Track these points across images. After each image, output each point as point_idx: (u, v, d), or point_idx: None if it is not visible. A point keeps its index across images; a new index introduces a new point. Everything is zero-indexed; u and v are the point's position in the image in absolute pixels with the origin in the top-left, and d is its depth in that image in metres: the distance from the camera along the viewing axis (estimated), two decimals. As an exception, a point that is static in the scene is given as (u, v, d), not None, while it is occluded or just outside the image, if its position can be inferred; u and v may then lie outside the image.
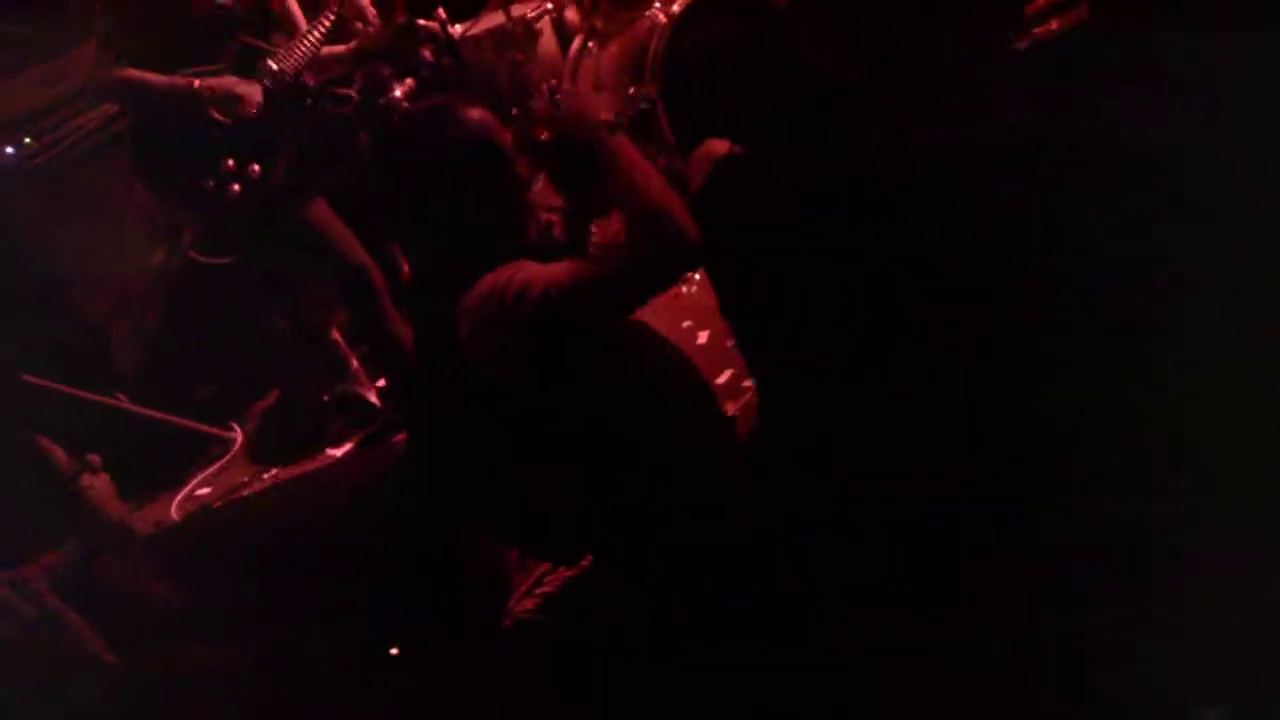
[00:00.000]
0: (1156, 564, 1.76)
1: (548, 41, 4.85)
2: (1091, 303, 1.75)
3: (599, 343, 2.17)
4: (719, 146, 2.14)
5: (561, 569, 2.41)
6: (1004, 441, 1.83)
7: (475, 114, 2.19)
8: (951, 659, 1.88)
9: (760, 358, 2.19)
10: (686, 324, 3.63)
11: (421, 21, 4.19)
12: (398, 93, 3.97)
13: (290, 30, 3.64)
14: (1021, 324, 1.80)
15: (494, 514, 2.41)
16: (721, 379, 3.17)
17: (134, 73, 3.40)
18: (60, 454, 2.50)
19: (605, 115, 2.14)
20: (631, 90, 3.81)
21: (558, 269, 2.07)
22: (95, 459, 2.53)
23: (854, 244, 1.94)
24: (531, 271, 2.07)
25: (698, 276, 4.09)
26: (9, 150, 4.04)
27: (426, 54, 4.36)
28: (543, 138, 2.24)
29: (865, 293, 1.90)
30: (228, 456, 4.33)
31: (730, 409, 2.84)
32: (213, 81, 3.43)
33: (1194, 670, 1.70)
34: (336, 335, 4.19)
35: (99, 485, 2.48)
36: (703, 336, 3.49)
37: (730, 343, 2.22)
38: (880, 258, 1.90)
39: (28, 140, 4.07)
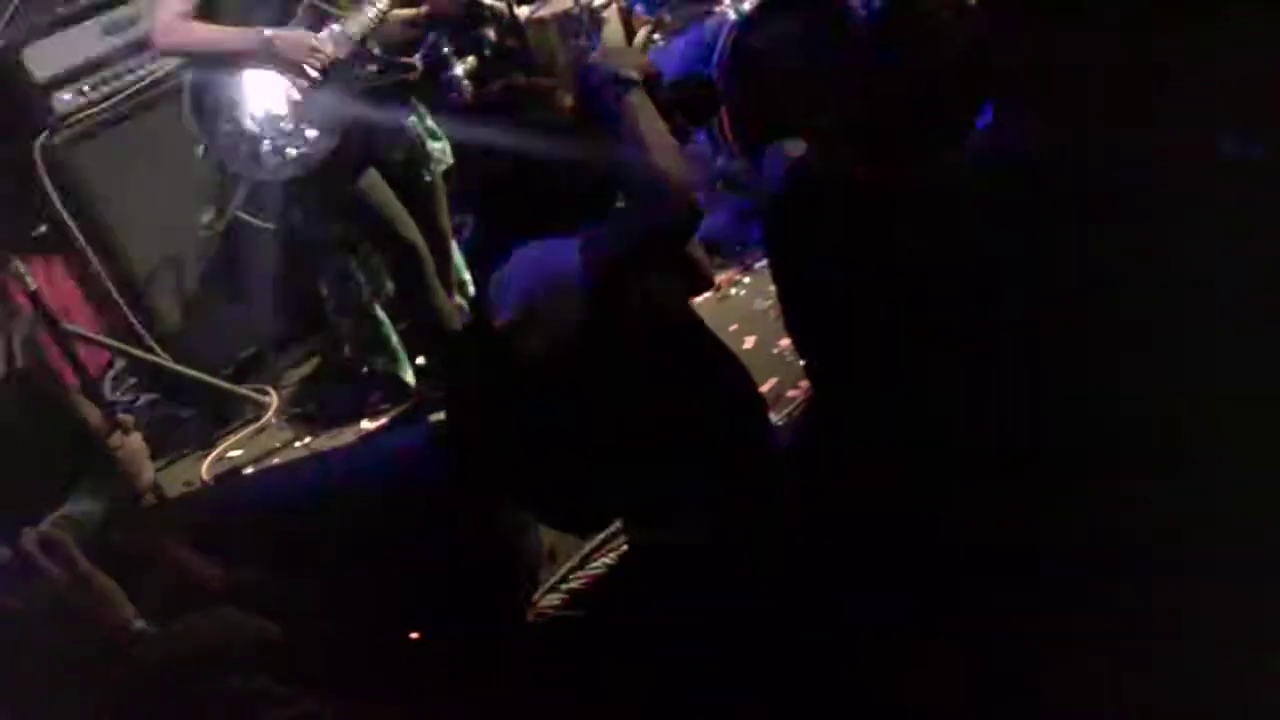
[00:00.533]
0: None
1: (613, 30, 4.82)
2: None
3: (642, 321, 2.17)
4: (794, 149, 2.09)
5: (589, 567, 2.41)
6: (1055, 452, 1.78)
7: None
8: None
9: (821, 361, 2.14)
10: (733, 328, 3.59)
11: (488, 0, 4.16)
12: (459, 70, 3.95)
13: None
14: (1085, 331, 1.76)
15: (530, 489, 2.39)
16: (765, 386, 3.13)
17: (201, 26, 3.38)
18: (94, 412, 2.48)
19: (628, 73, 2.12)
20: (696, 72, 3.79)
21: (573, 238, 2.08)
22: (127, 419, 2.49)
23: (919, 252, 1.88)
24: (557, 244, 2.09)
25: (747, 280, 4.07)
26: (66, 98, 4.02)
27: (491, 33, 4.34)
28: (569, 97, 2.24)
29: (935, 299, 1.85)
30: (262, 421, 4.33)
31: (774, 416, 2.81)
32: (284, 32, 3.40)
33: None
34: (378, 310, 4.18)
35: (130, 444, 2.44)
36: (749, 341, 3.45)
37: (776, 349, 2.18)
38: (949, 265, 1.85)
39: (87, 89, 4.05)
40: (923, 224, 1.84)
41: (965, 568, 1.81)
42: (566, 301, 2.08)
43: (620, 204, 2.21)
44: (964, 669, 1.81)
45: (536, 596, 2.66)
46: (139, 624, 1.89)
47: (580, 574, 2.72)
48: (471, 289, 4.01)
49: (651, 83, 2.16)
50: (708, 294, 4.15)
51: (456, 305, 3.91)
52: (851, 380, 2.03)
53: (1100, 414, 1.70)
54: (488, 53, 4.29)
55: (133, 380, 4.47)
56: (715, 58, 4.39)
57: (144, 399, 4.42)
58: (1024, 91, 1.81)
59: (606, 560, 2.75)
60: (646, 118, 2.10)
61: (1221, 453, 1.63)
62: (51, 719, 1.87)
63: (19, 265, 3.47)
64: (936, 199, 1.85)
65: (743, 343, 3.50)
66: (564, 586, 2.67)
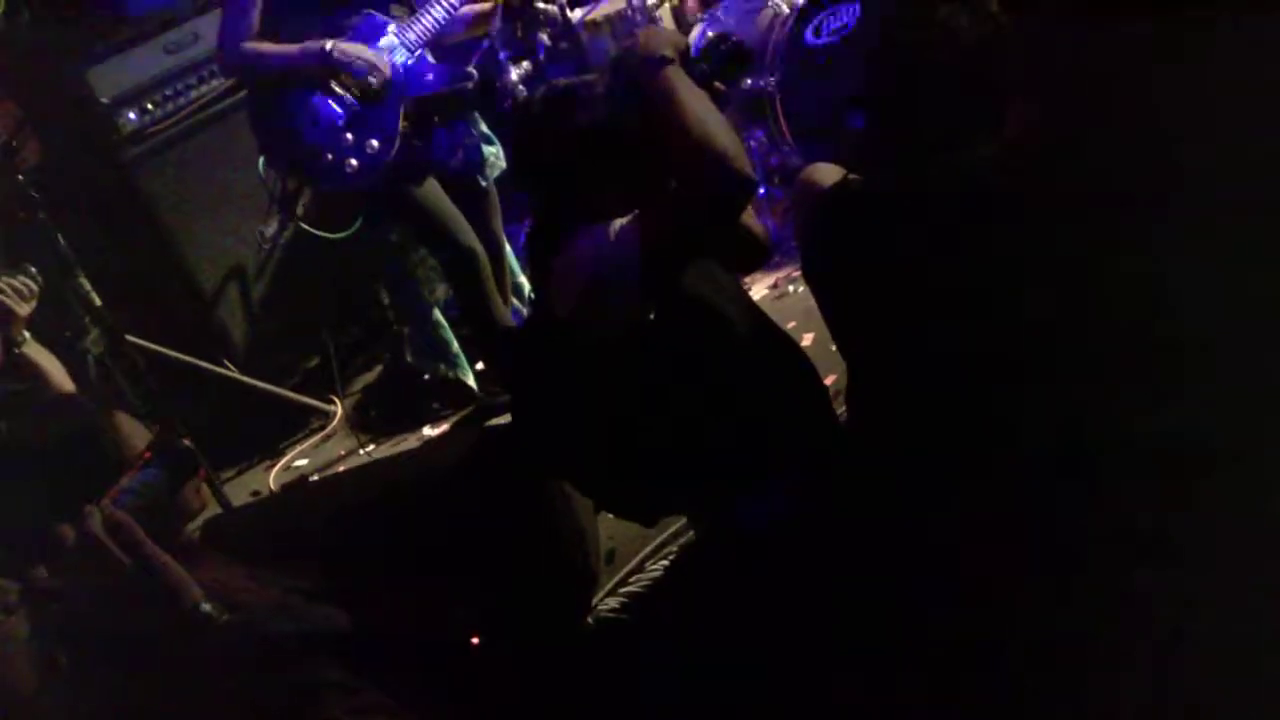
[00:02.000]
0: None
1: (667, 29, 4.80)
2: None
3: (706, 310, 2.17)
4: (827, 175, 2.08)
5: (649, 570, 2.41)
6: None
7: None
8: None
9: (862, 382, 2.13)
10: (791, 324, 3.56)
11: (540, 4, 4.17)
12: (514, 75, 3.96)
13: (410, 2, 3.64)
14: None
15: (593, 475, 2.40)
16: (825, 382, 3.10)
17: (264, 45, 3.43)
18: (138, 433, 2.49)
19: (663, 51, 2.10)
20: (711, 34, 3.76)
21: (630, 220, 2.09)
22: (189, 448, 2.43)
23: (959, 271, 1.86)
24: (615, 227, 2.10)
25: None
26: (132, 116, 4.10)
27: (545, 37, 4.35)
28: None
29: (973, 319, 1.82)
30: (328, 430, 4.38)
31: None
32: (345, 45, 3.44)
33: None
34: (439, 316, 4.20)
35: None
36: (807, 339, 3.41)
37: (834, 346, 2.16)
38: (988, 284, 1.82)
39: (150, 107, 4.13)
40: (945, 224, 1.81)
41: (1003, 569, 1.78)
42: (629, 282, 2.08)
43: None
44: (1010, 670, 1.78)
45: (595, 600, 2.65)
46: (206, 607, 1.90)
47: (639, 578, 2.71)
48: (527, 289, 4.03)
49: (686, 58, 2.15)
50: (766, 291, 4.16)
51: (512, 307, 3.93)
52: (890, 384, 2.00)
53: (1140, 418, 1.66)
54: (542, 57, 4.30)
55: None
56: (769, 53, 4.37)
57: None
58: (1033, 91, 1.77)
59: (665, 564, 2.74)
60: (684, 91, 2.08)
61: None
62: (120, 703, 1.89)
63: (84, 282, 3.52)
64: (959, 198, 1.83)
65: (801, 339, 3.46)
66: (622, 590, 2.66)
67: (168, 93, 4.17)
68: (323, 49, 3.41)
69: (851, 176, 2.04)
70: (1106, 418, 1.68)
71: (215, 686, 1.88)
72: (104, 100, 4.05)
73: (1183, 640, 1.65)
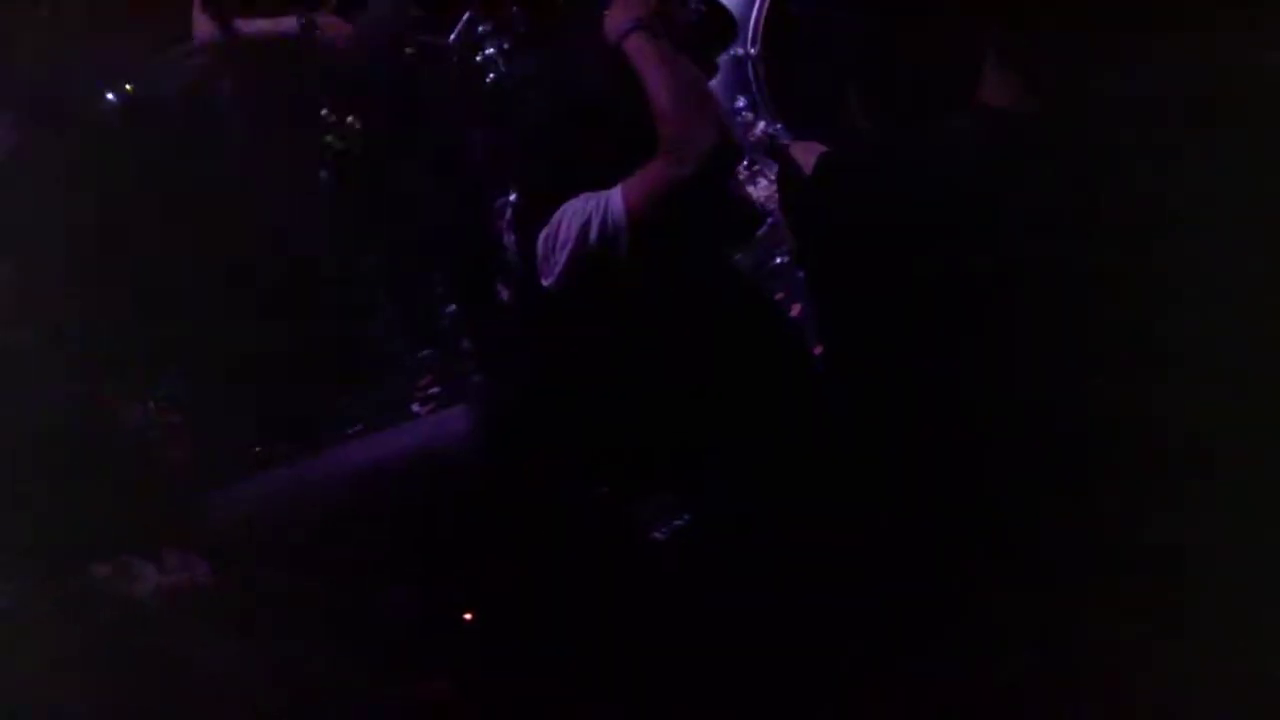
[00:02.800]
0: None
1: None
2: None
3: (695, 281, 2.18)
4: (813, 148, 2.06)
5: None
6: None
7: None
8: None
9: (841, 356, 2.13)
10: (779, 295, 3.56)
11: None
12: (492, 50, 3.93)
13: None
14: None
15: (580, 449, 2.40)
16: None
17: (244, 22, 3.41)
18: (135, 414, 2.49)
19: (632, 17, 2.11)
20: None
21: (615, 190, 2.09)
22: (177, 419, 2.48)
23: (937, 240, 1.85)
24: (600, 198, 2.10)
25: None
26: (110, 97, 4.07)
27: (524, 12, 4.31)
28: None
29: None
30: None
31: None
32: (320, 19, 3.41)
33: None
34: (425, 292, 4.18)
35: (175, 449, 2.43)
36: (795, 309, 3.41)
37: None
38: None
39: (128, 88, 4.10)
40: (930, 179, 1.80)
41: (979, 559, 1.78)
42: (617, 252, 2.07)
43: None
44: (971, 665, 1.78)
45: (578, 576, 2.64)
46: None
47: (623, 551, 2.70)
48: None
49: (664, 22, 2.14)
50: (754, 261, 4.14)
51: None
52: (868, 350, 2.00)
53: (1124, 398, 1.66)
54: (521, 31, 4.25)
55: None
56: (751, 27, 4.34)
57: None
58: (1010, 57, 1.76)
59: (666, 534, 2.73)
60: (658, 57, 2.07)
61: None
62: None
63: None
64: (943, 153, 1.81)
65: (790, 310, 3.47)
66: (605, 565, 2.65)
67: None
68: (298, 21, 3.41)
69: (834, 147, 2.03)
70: (1089, 400, 1.68)
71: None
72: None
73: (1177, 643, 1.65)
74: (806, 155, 2.05)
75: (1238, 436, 1.61)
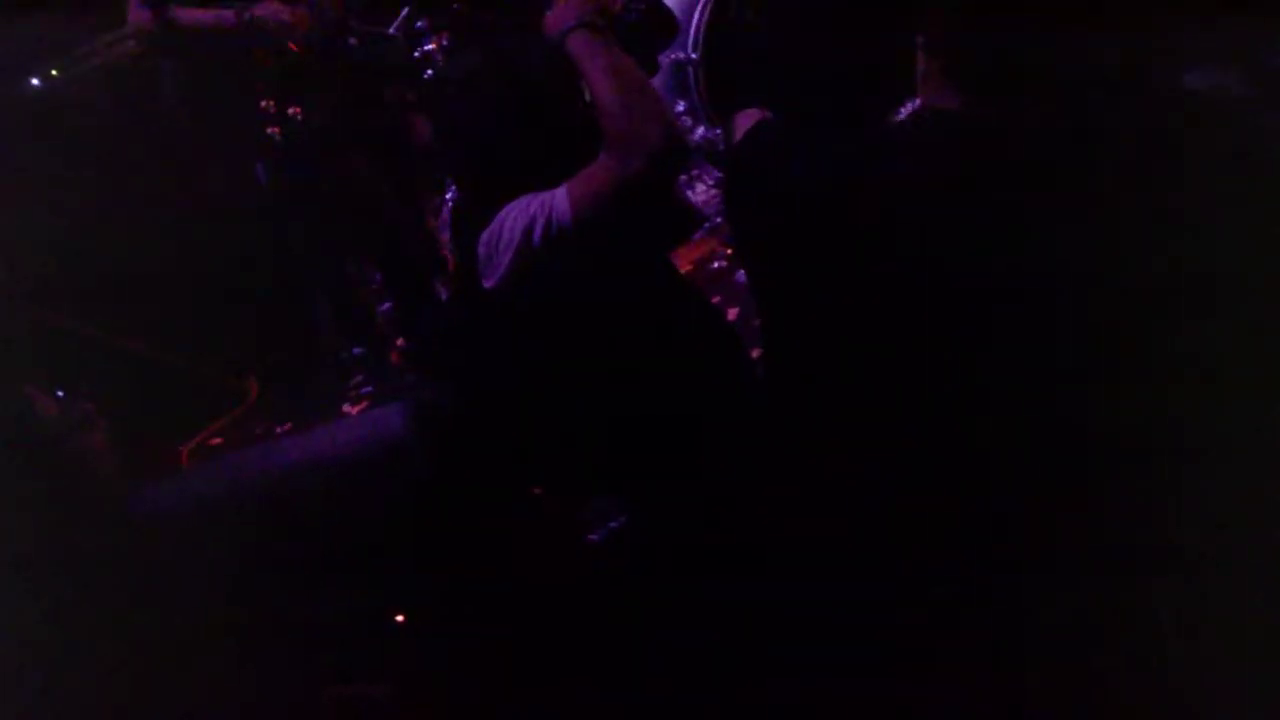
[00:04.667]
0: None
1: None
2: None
3: (633, 272, 2.16)
4: (750, 116, 2.05)
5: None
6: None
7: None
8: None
9: (776, 331, 2.11)
10: (715, 299, 3.56)
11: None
12: (432, 45, 3.90)
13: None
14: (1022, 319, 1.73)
15: (522, 450, 2.39)
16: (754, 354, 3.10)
17: (182, 11, 3.35)
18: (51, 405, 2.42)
19: (573, 17, 2.08)
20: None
21: (559, 190, 2.07)
22: (90, 406, 2.42)
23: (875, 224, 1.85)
24: (544, 198, 2.08)
25: (729, 251, 4.03)
26: (35, 82, 3.98)
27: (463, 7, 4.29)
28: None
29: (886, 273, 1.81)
30: (243, 408, 4.28)
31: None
32: (260, 10, 3.36)
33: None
34: (359, 291, 4.14)
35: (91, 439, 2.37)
36: (731, 314, 3.42)
37: (758, 321, 2.15)
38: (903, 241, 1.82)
39: (54, 73, 4.01)
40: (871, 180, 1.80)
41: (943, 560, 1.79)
42: (559, 253, 2.06)
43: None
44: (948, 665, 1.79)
45: (526, 572, 2.63)
46: None
47: (574, 550, 2.69)
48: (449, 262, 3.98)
49: (606, 19, 2.12)
50: (689, 268, 4.15)
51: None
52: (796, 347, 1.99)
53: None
54: (461, 26, 4.23)
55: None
56: (692, 32, 4.36)
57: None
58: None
59: (602, 537, 2.72)
60: (602, 56, 2.06)
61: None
62: None
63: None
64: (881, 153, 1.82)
65: (726, 315, 3.47)
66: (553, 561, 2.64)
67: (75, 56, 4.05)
68: (238, 12, 3.35)
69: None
70: (1030, 399, 1.69)
71: None
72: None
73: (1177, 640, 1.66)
74: (746, 120, 2.05)
75: (1159, 434, 1.62)
